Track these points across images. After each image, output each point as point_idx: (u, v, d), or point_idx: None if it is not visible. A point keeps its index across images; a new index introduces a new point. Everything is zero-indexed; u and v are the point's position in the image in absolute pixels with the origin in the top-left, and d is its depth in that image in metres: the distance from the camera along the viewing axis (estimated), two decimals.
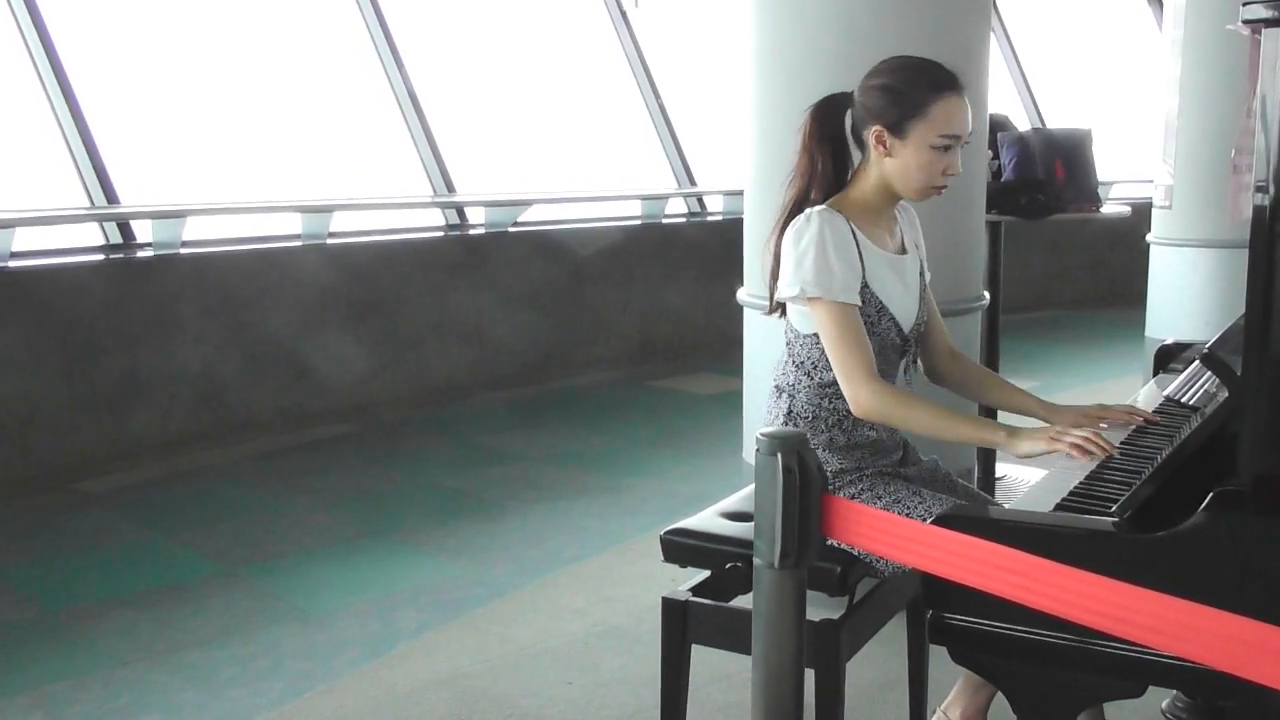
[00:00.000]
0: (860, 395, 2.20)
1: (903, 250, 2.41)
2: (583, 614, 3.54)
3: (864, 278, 2.27)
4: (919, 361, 2.51)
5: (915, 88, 2.24)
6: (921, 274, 2.45)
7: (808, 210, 2.28)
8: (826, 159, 2.35)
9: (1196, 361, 2.48)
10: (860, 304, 2.26)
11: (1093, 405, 2.37)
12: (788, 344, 2.39)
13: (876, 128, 2.26)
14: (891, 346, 2.35)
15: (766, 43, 3.43)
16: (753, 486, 1.67)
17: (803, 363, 2.34)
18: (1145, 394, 2.58)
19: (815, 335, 2.29)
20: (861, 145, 2.34)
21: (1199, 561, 1.63)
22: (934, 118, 2.22)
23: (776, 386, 2.41)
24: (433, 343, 6.53)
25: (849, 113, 2.36)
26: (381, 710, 2.96)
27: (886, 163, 2.28)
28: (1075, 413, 2.33)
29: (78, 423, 5.16)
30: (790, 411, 2.35)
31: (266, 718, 2.93)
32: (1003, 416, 2.72)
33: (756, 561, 1.67)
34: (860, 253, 2.27)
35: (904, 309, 2.35)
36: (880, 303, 2.30)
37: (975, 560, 1.52)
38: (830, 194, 2.34)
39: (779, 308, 2.40)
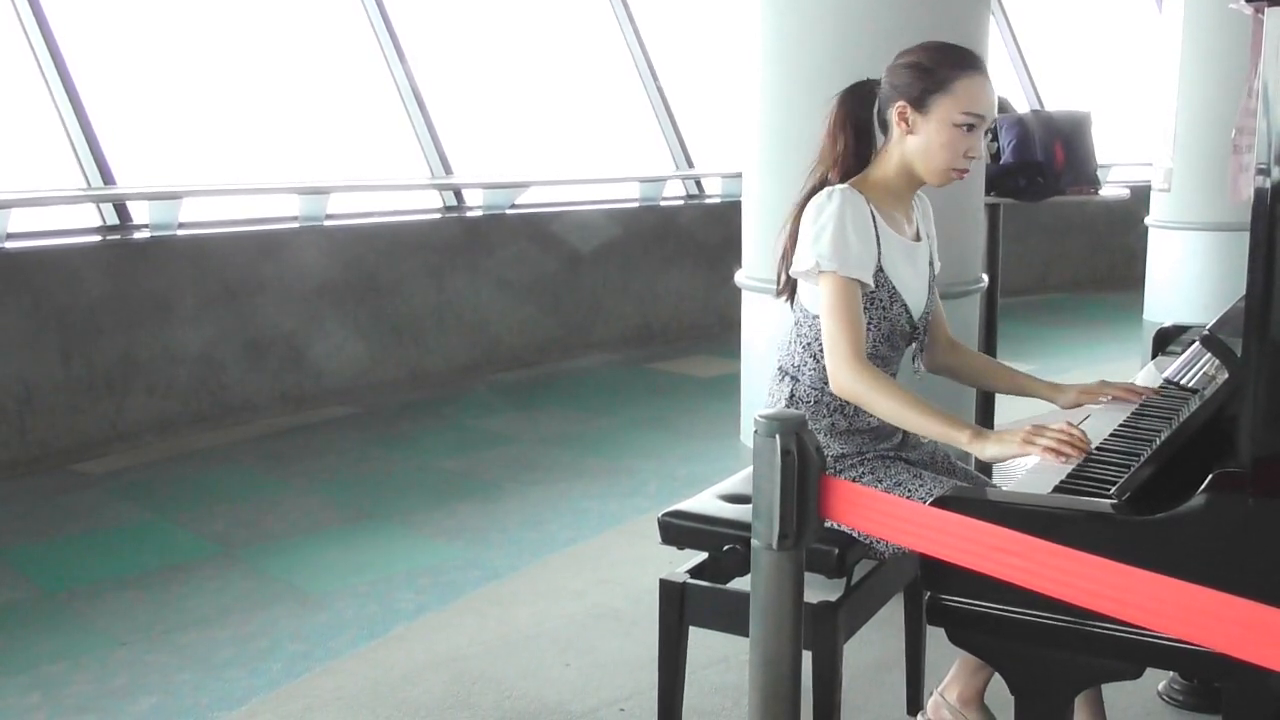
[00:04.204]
0: (840, 371, 2.18)
1: (916, 238, 2.39)
2: (581, 596, 3.55)
3: (879, 261, 2.25)
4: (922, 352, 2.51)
5: (941, 65, 2.24)
6: (931, 263, 2.44)
7: (829, 187, 2.26)
8: (849, 142, 2.34)
9: (1196, 344, 2.48)
10: (873, 286, 2.25)
11: (1094, 382, 2.39)
12: (795, 324, 2.38)
13: (900, 103, 2.26)
14: (901, 333, 2.34)
15: (769, 25, 3.41)
16: (751, 469, 1.67)
17: (810, 344, 2.32)
18: (1144, 377, 2.59)
19: None
20: (885, 127, 2.32)
21: (1198, 543, 1.63)
22: (958, 94, 2.22)
23: (780, 369, 2.39)
24: (430, 324, 6.52)
25: (876, 98, 2.34)
26: (379, 691, 2.96)
27: (909, 141, 2.27)
28: (1077, 389, 2.39)
29: (76, 404, 5.16)
30: (793, 395, 2.34)
31: (264, 698, 2.94)
32: (1010, 400, 2.71)
33: (754, 543, 1.66)
34: (878, 235, 2.25)
35: (915, 296, 2.34)
36: (893, 287, 2.29)
37: (973, 542, 1.52)
38: (850, 177, 2.32)
39: (789, 288, 2.38)
